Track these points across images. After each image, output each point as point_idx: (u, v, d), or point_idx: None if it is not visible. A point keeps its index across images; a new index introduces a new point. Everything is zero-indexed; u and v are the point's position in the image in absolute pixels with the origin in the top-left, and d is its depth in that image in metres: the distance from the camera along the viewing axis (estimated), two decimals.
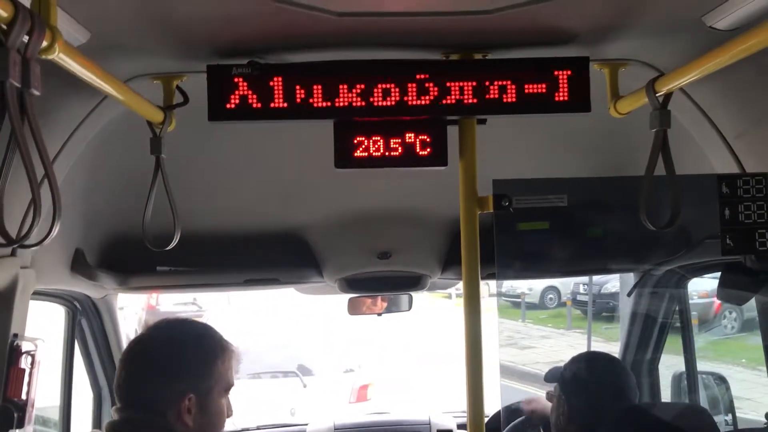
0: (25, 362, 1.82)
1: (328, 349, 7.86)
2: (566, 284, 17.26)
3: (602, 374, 2.12)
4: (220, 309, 11.92)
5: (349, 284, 2.58)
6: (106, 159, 2.10)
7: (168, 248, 1.80)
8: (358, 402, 7.23)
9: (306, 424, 3.26)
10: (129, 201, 2.13)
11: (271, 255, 2.49)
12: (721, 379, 2.92)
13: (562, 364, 2.33)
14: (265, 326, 8.32)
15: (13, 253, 1.75)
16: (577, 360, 2.21)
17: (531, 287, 18.35)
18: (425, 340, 13.36)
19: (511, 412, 2.70)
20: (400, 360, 11.60)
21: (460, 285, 1.85)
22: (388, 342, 14.26)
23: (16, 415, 1.79)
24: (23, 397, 1.80)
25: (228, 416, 1.71)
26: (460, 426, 3.19)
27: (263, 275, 2.50)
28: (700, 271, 2.56)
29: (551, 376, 2.30)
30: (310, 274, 2.54)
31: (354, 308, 2.91)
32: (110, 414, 2.94)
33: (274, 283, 2.52)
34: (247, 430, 3.29)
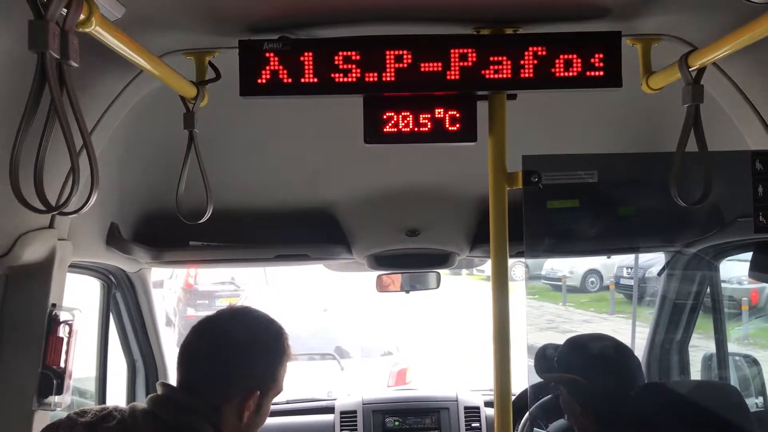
0: (63, 331, 1.87)
1: (366, 332, 7.88)
2: (609, 267, 17.07)
3: (599, 359, 2.09)
4: (258, 289, 12.02)
5: (378, 261, 2.60)
6: (140, 134, 2.14)
7: (200, 222, 1.83)
8: (396, 386, 7.19)
9: (335, 399, 3.31)
10: (163, 176, 2.17)
11: (302, 231, 2.52)
12: (753, 362, 2.89)
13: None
14: (303, 307, 8.36)
15: (51, 225, 1.80)
16: (567, 350, 2.15)
17: (572, 270, 18.23)
18: (464, 322, 13.36)
19: (538, 389, 2.70)
20: (440, 343, 11.60)
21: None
22: (427, 325, 14.34)
23: (55, 381, 1.85)
24: (62, 365, 1.86)
25: None
26: (487, 404, 3.21)
27: (293, 251, 2.53)
28: (733, 251, 2.53)
29: (544, 370, 2.24)
30: (339, 251, 2.57)
31: (382, 285, 2.93)
32: (143, 386, 3.03)
33: (303, 259, 2.55)
34: (277, 404, 3.34)
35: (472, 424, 3.11)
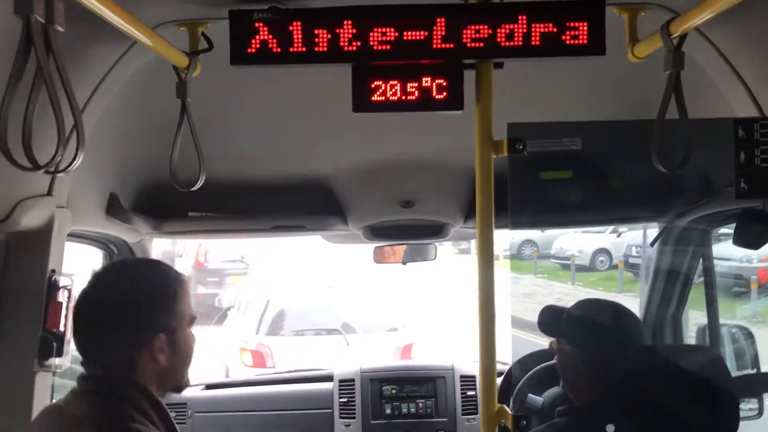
0: (62, 296, 1.93)
1: (372, 308, 7.95)
2: (618, 246, 17.07)
3: (609, 319, 2.13)
4: (266, 266, 12.11)
5: (373, 232, 2.64)
6: (138, 106, 2.19)
7: (194, 189, 1.87)
8: (402, 361, 7.28)
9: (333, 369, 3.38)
10: (161, 147, 2.21)
11: (298, 202, 2.56)
12: (748, 333, 2.92)
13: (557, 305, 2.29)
14: (310, 284, 8.46)
15: (49, 193, 1.85)
16: (578, 309, 2.21)
17: (581, 249, 18.24)
18: (470, 300, 13.38)
19: (528, 360, 2.75)
20: (444, 319, 11.67)
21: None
22: (432, 301, 14.39)
23: (55, 344, 1.91)
24: (61, 328, 1.92)
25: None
26: None
27: (290, 222, 2.58)
28: (724, 221, 2.55)
29: (548, 327, 2.27)
30: (335, 222, 2.62)
31: (379, 257, 2.98)
32: None
33: (300, 230, 2.60)
34: (279, 373, 3.42)
35: (468, 392, 3.17)
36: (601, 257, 18.13)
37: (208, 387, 3.35)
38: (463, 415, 3.15)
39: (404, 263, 3.02)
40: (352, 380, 3.22)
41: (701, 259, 2.68)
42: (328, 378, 3.31)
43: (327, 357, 6.84)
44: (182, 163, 1.93)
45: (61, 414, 1.58)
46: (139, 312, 1.60)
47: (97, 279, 1.67)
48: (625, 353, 2.05)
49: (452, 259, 21.64)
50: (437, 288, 15.90)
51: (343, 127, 2.31)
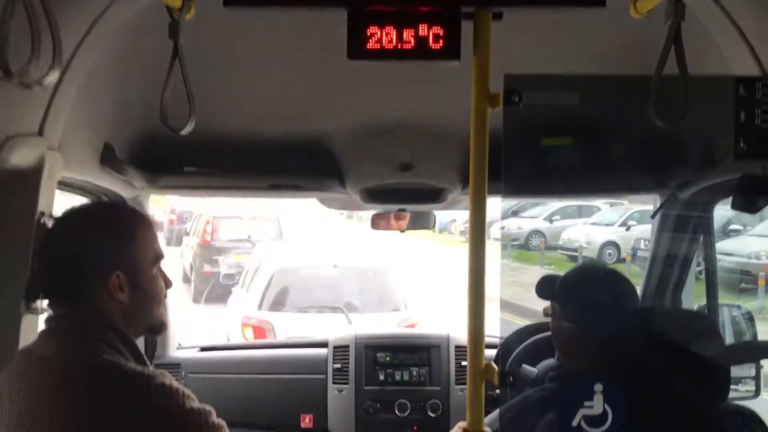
0: None
1: (375, 288, 7.96)
2: (626, 239, 17.06)
3: (602, 284, 2.11)
4: (271, 244, 12.13)
5: (371, 195, 2.62)
6: (134, 55, 2.16)
7: (184, 133, 1.85)
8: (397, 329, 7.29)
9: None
10: (158, 98, 2.19)
11: (296, 162, 2.54)
12: (747, 314, 2.89)
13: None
14: (314, 262, 8.44)
15: (40, 133, 1.84)
16: (573, 273, 2.20)
17: (589, 241, 18.24)
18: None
19: (526, 330, 2.73)
20: (446, 300, 11.65)
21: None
22: (436, 282, 14.36)
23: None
24: None
25: (168, 287, 1.73)
26: None
27: (287, 181, 2.56)
28: (725, 194, 2.51)
29: (544, 291, 2.25)
30: (332, 184, 2.59)
31: (377, 224, 2.96)
32: None
33: (297, 191, 2.58)
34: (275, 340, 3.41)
35: (462, 363, 3.16)
36: (609, 250, 18.14)
37: (203, 350, 3.35)
38: (456, 384, 3.13)
39: (402, 231, 3.00)
40: (347, 346, 3.21)
41: (702, 234, 2.64)
42: (323, 345, 3.30)
43: (328, 334, 6.83)
44: (180, 113, 1.90)
45: (30, 356, 1.59)
46: (97, 250, 1.61)
47: (59, 221, 1.71)
48: (616, 316, 2.03)
49: (459, 248, 21.76)
50: (442, 273, 15.91)
51: (342, 85, 2.29)
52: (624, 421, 1.69)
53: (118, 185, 2.49)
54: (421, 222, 3.00)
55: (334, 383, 3.15)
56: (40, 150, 1.84)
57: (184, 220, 19.29)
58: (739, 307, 2.99)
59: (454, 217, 25.50)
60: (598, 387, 1.71)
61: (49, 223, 1.86)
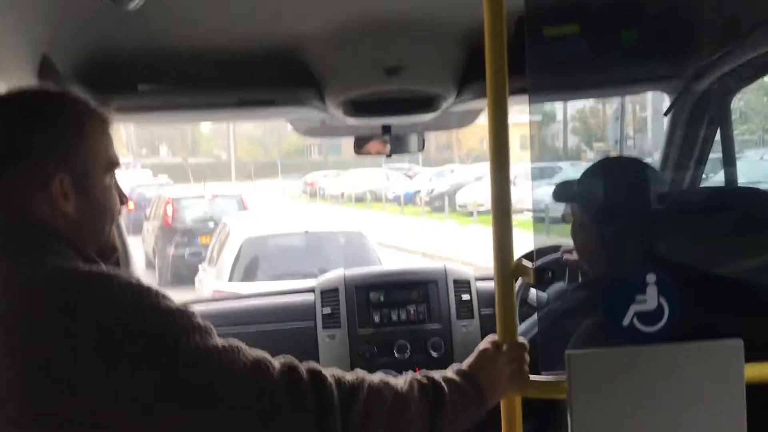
0: None
1: (349, 252, 7.69)
2: None
3: (626, 173, 1.86)
4: (238, 215, 11.82)
5: (355, 107, 2.31)
6: None
7: (130, 6, 1.53)
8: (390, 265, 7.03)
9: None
10: (104, 3, 1.87)
11: (267, 73, 2.23)
12: None
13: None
14: (284, 229, 8.15)
15: None
16: (592, 168, 1.94)
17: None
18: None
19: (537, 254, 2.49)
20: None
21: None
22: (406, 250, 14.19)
23: None
24: None
25: (122, 204, 1.42)
26: (478, 278, 3.00)
27: (258, 96, 2.25)
28: (746, 81, 2.29)
29: (562, 194, 2.01)
30: (309, 96, 2.28)
31: (361, 147, 2.66)
32: None
33: (269, 106, 2.26)
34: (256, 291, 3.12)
35: (462, 297, 2.90)
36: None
37: None
38: (458, 320, 2.88)
39: (388, 155, 2.71)
40: (335, 289, 2.92)
41: (719, 128, 2.41)
42: (310, 291, 3.01)
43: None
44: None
45: None
46: (34, 146, 1.29)
47: None
48: (646, 205, 1.78)
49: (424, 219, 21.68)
50: (410, 242, 15.79)
51: None
52: (682, 318, 1.44)
53: None
54: (407, 145, 2.71)
55: (324, 329, 2.87)
56: None
57: (142, 206, 18.77)
58: None
59: (418, 188, 25.43)
60: (651, 277, 1.46)
61: None
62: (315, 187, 30.88)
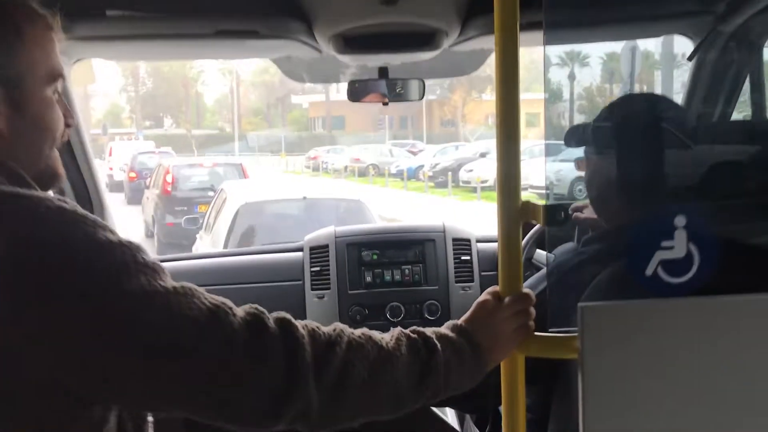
0: None
1: (348, 220, 7.49)
2: None
3: (650, 109, 1.65)
4: (236, 181, 11.67)
5: (347, 43, 2.09)
6: None
7: None
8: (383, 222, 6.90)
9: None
10: None
11: (248, 1, 2.01)
12: None
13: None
14: (282, 195, 7.95)
15: None
16: (607, 108, 1.72)
17: (559, 178, 18.03)
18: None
19: None
20: None
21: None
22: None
23: None
24: None
25: (68, 124, 1.23)
26: (479, 239, 2.79)
27: (239, 26, 2.02)
28: None
29: (574, 138, 1.80)
30: (296, 28, 2.05)
31: (356, 92, 2.44)
32: None
33: (251, 38, 2.04)
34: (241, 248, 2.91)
35: (462, 257, 2.70)
36: (579, 186, 18.03)
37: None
38: (456, 282, 2.67)
39: (385, 103, 2.49)
40: (326, 246, 2.72)
41: (749, 75, 2.19)
42: (298, 249, 2.81)
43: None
44: None
45: None
46: None
47: None
48: (670, 143, 1.57)
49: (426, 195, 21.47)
50: (413, 216, 15.62)
51: None
52: (714, 268, 1.24)
53: None
54: (407, 92, 2.48)
55: (312, 289, 2.67)
56: None
57: (144, 176, 18.61)
58: None
59: (422, 163, 25.19)
60: (681, 220, 1.26)
61: None
62: (318, 161, 30.68)
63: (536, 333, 1.29)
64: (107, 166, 24.14)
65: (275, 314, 1.15)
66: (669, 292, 1.24)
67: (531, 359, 1.34)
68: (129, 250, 1.07)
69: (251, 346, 1.09)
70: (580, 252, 1.70)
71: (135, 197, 17.97)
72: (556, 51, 1.72)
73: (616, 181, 1.58)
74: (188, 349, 1.05)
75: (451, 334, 1.25)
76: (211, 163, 14.20)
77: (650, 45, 2.67)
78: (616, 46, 2.43)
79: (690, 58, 2.23)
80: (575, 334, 1.23)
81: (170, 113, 55.04)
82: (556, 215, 1.26)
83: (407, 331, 1.23)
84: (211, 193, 13.06)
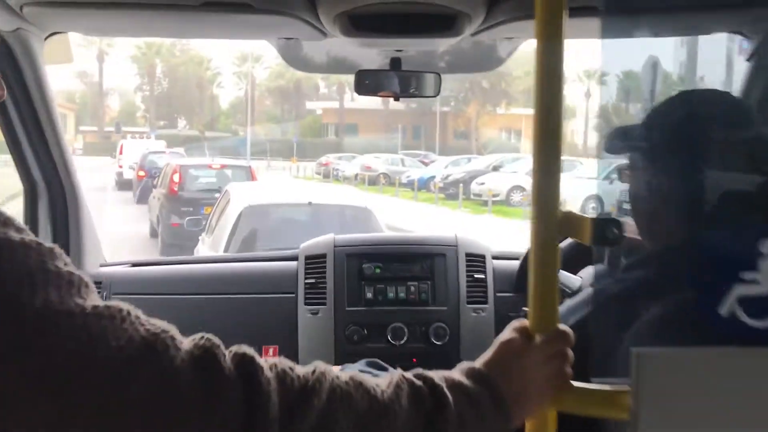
0: None
1: (354, 228, 7.23)
2: (610, 193, 16.83)
3: (720, 110, 1.37)
4: (242, 183, 11.49)
5: (354, 24, 1.81)
6: None
7: None
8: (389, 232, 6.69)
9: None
10: None
11: None
12: None
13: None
14: (288, 200, 7.72)
15: None
16: (661, 105, 1.44)
17: (573, 195, 18.10)
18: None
19: None
20: None
21: None
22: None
23: None
24: None
25: None
26: (495, 256, 2.50)
27: None
28: None
29: (617, 143, 1.51)
30: (297, 5, 1.78)
31: (363, 83, 2.17)
32: (48, 215, 2.32)
33: (244, 11, 1.76)
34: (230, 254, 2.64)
35: (476, 275, 2.40)
36: (593, 203, 17.87)
37: (135, 265, 2.56)
38: (468, 303, 2.38)
39: (396, 98, 2.22)
40: (323, 256, 2.43)
41: None
42: (293, 258, 2.54)
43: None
44: None
45: None
46: None
47: None
48: (738, 154, 1.29)
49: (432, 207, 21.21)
50: (424, 227, 15.38)
51: None
52: None
53: None
54: (421, 86, 2.21)
55: (306, 304, 2.38)
56: None
57: (153, 175, 18.47)
58: None
59: (433, 173, 24.93)
60: (766, 245, 0.98)
61: None
62: (329, 167, 30.51)
63: (574, 383, 1.01)
64: (117, 164, 24.04)
65: (234, 348, 0.88)
66: (751, 338, 0.96)
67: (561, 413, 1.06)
68: (36, 253, 0.80)
69: (196, 390, 0.81)
70: (621, 279, 1.42)
71: (144, 196, 17.81)
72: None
73: (677, 194, 1.30)
74: (107, 392, 0.78)
75: (466, 381, 0.96)
76: (220, 164, 13.98)
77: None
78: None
79: (749, 59, 1.96)
80: (625, 388, 0.95)
81: (184, 114, 55.16)
82: (607, 232, 0.98)
83: (409, 375, 0.95)
84: (217, 195, 12.84)
